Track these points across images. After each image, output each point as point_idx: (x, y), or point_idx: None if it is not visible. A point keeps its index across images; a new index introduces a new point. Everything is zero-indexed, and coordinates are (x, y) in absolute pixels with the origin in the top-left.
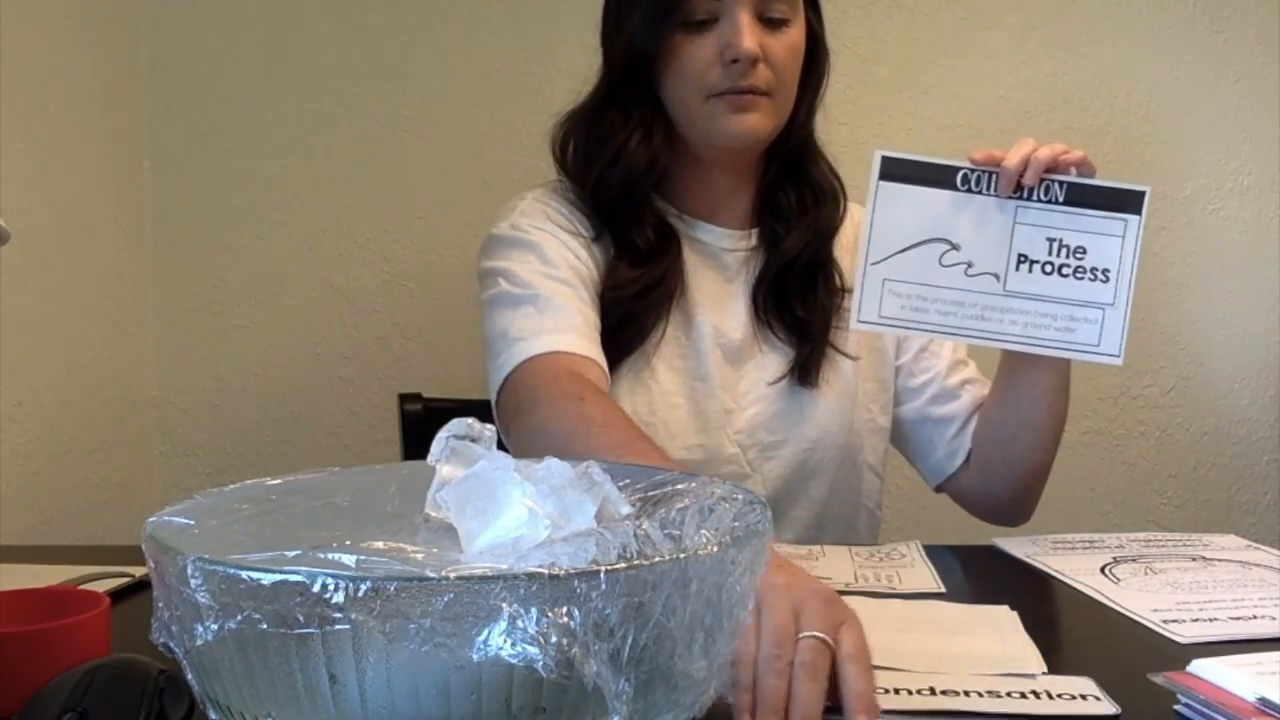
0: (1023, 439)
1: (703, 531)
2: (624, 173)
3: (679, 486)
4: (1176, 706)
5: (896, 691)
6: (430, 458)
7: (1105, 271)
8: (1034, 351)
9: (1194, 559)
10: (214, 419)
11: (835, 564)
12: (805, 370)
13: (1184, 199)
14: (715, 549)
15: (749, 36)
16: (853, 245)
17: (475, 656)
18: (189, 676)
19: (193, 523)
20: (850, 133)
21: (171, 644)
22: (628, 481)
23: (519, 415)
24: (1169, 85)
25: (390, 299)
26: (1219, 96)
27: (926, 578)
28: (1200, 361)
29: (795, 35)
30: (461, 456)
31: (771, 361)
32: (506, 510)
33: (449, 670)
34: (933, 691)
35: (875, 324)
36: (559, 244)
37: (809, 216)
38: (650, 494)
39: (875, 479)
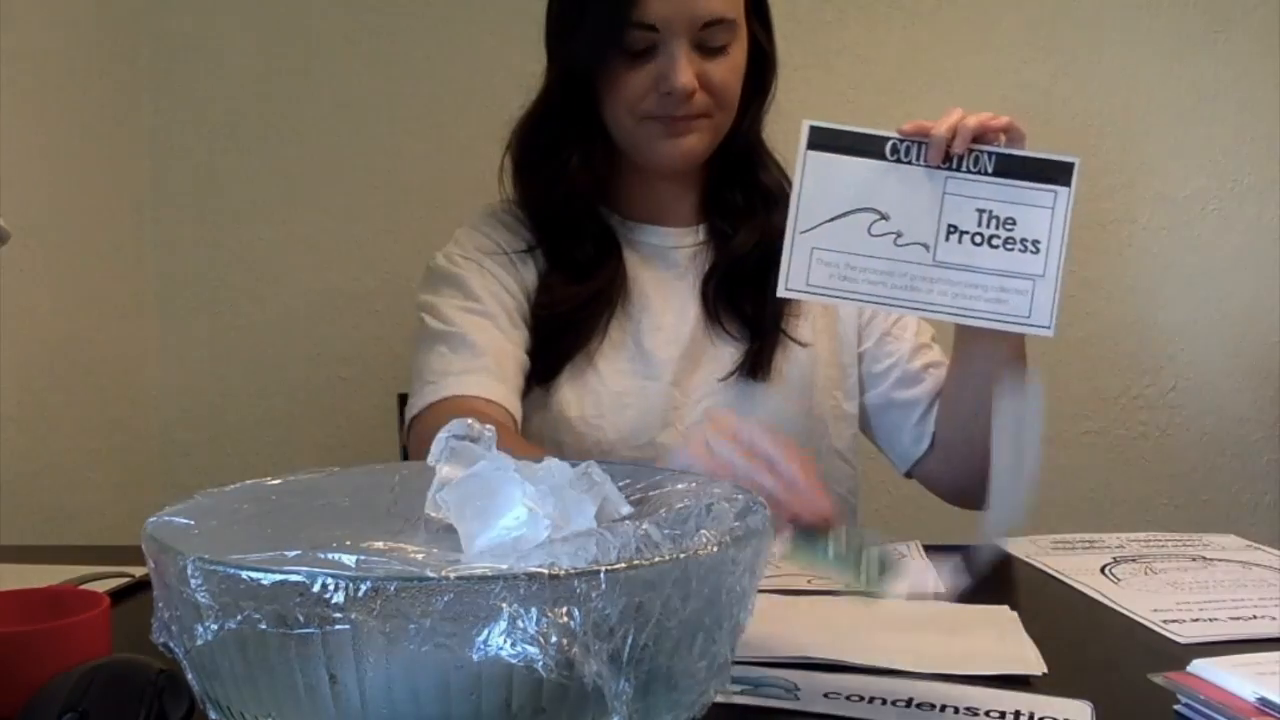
0: (982, 416)
1: (703, 531)
2: (565, 191)
3: (679, 486)
4: (1176, 706)
5: (871, 700)
6: (430, 458)
7: (1035, 243)
8: (964, 322)
9: (1194, 559)
10: (214, 419)
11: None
12: (757, 364)
13: (1184, 199)
14: (715, 549)
15: (684, 72)
16: None
17: (475, 656)
18: (189, 676)
19: (193, 523)
20: None
21: (171, 644)
22: (628, 481)
23: (418, 457)
24: (1169, 86)
25: (390, 299)
26: (1219, 96)
27: (928, 574)
28: (1200, 361)
29: (736, 56)
30: (461, 457)
31: (723, 356)
32: (506, 510)
33: (449, 670)
34: (909, 704)
35: (802, 292)
36: (484, 274)
37: (758, 218)
38: (650, 494)
39: (845, 465)
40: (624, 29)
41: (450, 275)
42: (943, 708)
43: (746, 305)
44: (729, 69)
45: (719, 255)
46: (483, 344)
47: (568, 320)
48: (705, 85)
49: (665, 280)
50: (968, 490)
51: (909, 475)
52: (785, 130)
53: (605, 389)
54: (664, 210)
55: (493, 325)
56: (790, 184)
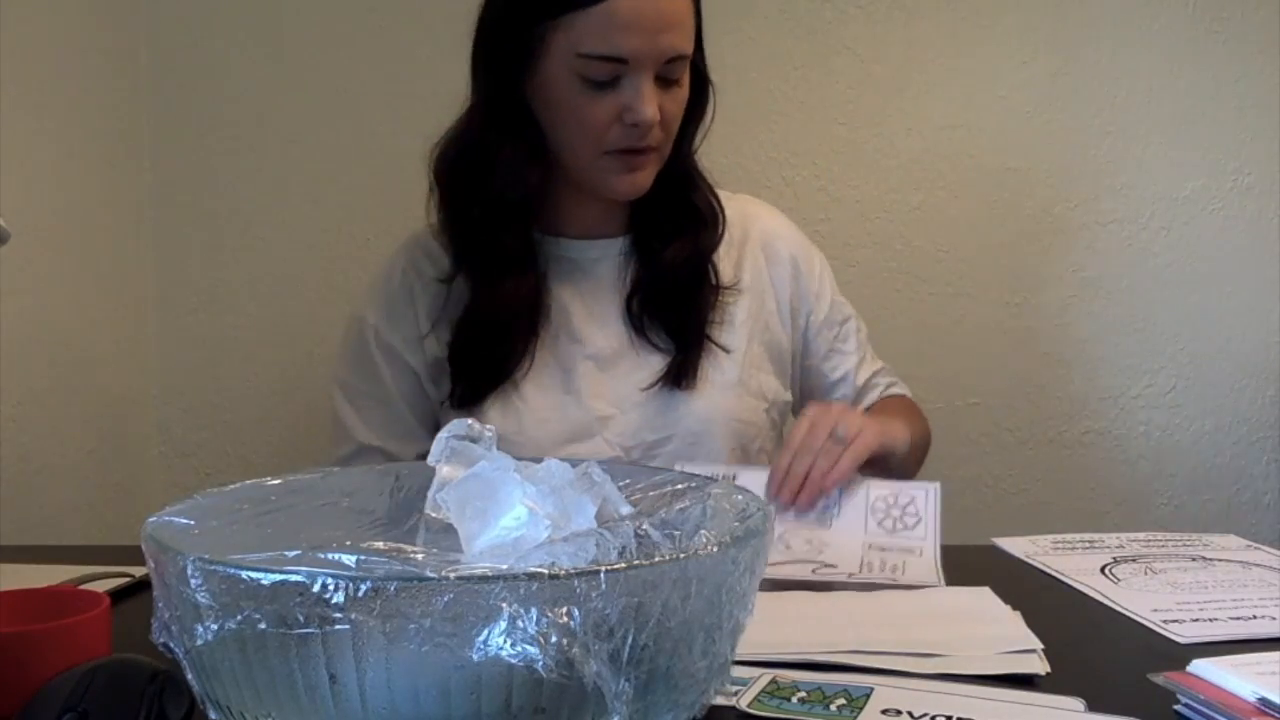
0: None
1: (702, 531)
2: (492, 212)
3: (679, 486)
4: (1176, 706)
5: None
6: (430, 458)
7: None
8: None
9: (1194, 559)
10: (214, 419)
11: (845, 545)
12: (681, 373)
13: (1184, 199)
14: (715, 549)
15: (651, 105)
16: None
17: (475, 656)
18: (189, 676)
19: (193, 523)
20: (850, 132)
21: (171, 644)
22: (628, 481)
23: None
24: (1169, 85)
25: None
26: (1219, 96)
27: (929, 570)
28: (1200, 361)
29: (685, 88)
30: (461, 457)
31: (647, 365)
32: (506, 510)
33: (449, 670)
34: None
35: None
36: (392, 364)
37: (687, 236)
38: (650, 494)
39: None
40: (593, 59)
41: (365, 372)
42: None
43: (672, 316)
44: (679, 101)
45: (644, 268)
46: (361, 432)
47: (490, 352)
48: (661, 118)
49: (587, 291)
50: None
51: None
52: (786, 129)
53: (527, 407)
54: (592, 227)
55: (398, 420)
56: (719, 204)
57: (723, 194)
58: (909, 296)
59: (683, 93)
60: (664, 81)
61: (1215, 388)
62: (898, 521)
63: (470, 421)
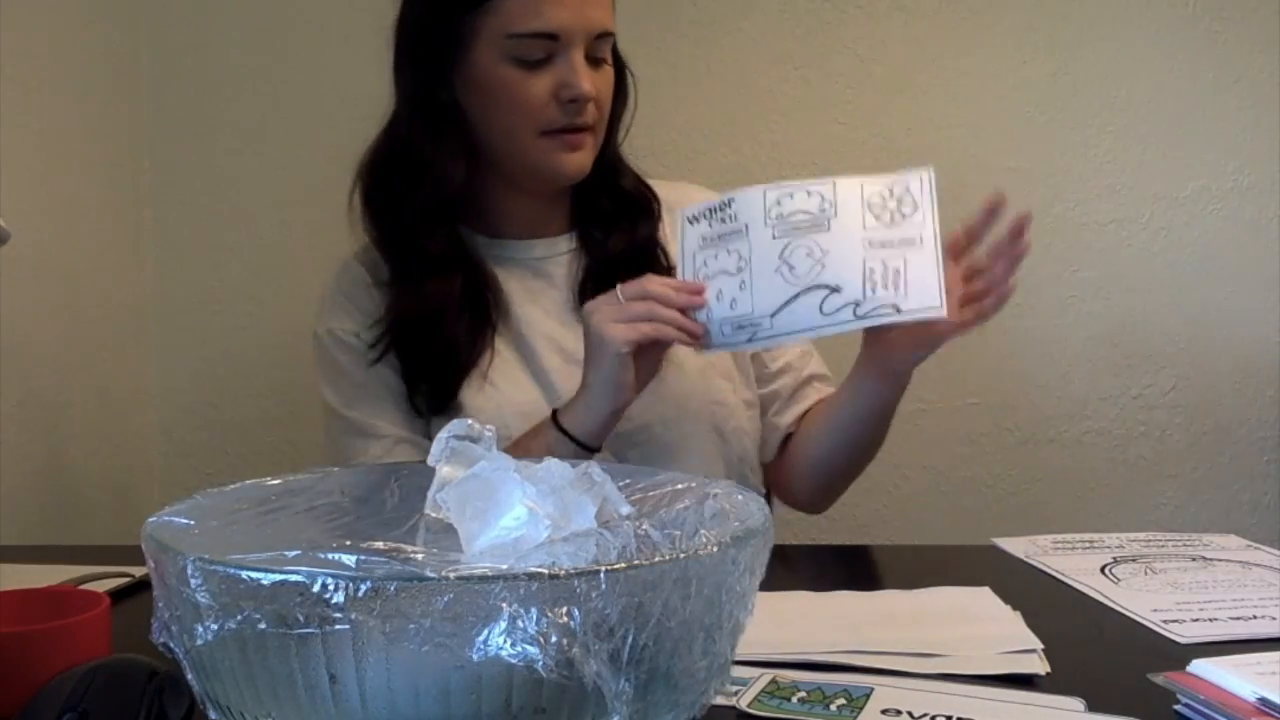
0: (855, 447)
1: (702, 531)
2: (424, 219)
3: (679, 486)
4: (1176, 706)
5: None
6: (430, 458)
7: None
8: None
9: (1194, 559)
10: (214, 419)
11: (846, 253)
12: None
13: (1184, 199)
14: (715, 549)
15: (587, 78)
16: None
17: (475, 656)
18: (189, 676)
19: (193, 523)
20: (850, 132)
21: (171, 644)
22: (628, 481)
23: None
24: (1169, 85)
25: None
26: (1219, 96)
27: (930, 267)
28: (1200, 361)
29: (610, 71)
30: (461, 457)
31: None
32: (506, 510)
33: (449, 670)
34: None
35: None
36: (364, 364)
37: (625, 224)
38: (650, 494)
39: (752, 448)
40: (524, 38)
41: (334, 362)
42: None
43: None
44: (608, 83)
45: (592, 260)
46: (383, 427)
47: (427, 349)
48: (595, 96)
49: (539, 291)
50: (804, 503)
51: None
52: (786, 129)
53: (502, 396)
54: (536, 225)
55: (385, 403)
56: (651, 192)
57: (658, 181)
58: None
59: (609, 75)
60: (593, 61)
61: (1215, 388)
62: (895, 213)
63: (470, 421)
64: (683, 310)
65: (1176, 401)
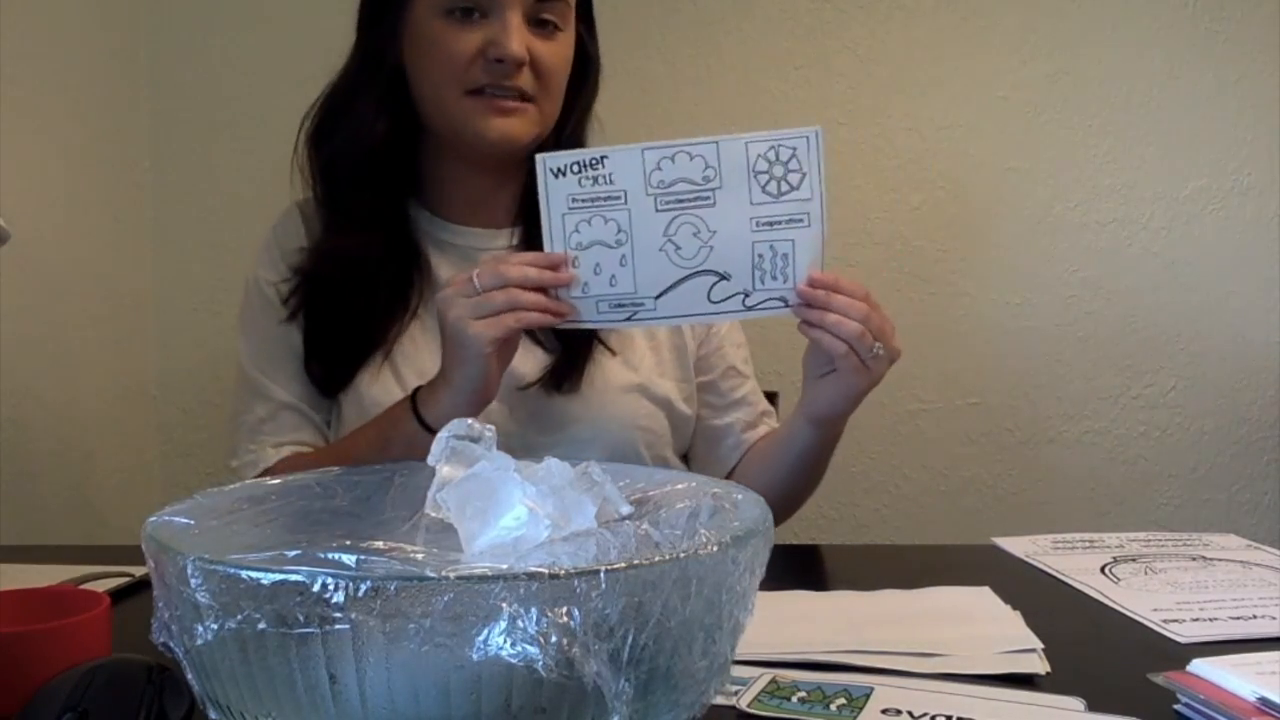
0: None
1: (702, 531)
2: (349, 169)
3: (679, 486)
4: (1176, 706)
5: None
6: (430, 458)
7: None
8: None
9: (1194, 559)
10: (214, 419)
11: (734, 233)
12: (564, 375)
13: (1184, 199)
14: (715, 549)
15: (517, 39)
16: None
17: (475, 656)
18: (189, 676)
19: (193, 523)
20: (850, 132)
21: (171, 644)
22: (628, 481)
23: None
24: (1169, 85)
25: None
26: (1219, 96)
27: (815, 244)
28: (1200, 361)
29: (564, 45)
30: (461, 456)
31: (527, 364)
32: (506, 510)
33: (449, 670)
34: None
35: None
36: (278, 323)
37: None
38: (650, 494)
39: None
40: None
41: (251, 311)
42: None
43: None
44: (556, 54)
45: None
46: (275, 390)
47: (352, 326)
48: (533, 64)
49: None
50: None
51: None
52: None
53: (405, 389)
54: (480, 208)
55: (285, 365)
56: None
57: None
58: (909, 296)
59: (560, 46)
60: (538, 24)
61: (1215, 388)
62: (781, 182)
63: (470, 421)
64: (547, 290)
65: (1176, 401)
